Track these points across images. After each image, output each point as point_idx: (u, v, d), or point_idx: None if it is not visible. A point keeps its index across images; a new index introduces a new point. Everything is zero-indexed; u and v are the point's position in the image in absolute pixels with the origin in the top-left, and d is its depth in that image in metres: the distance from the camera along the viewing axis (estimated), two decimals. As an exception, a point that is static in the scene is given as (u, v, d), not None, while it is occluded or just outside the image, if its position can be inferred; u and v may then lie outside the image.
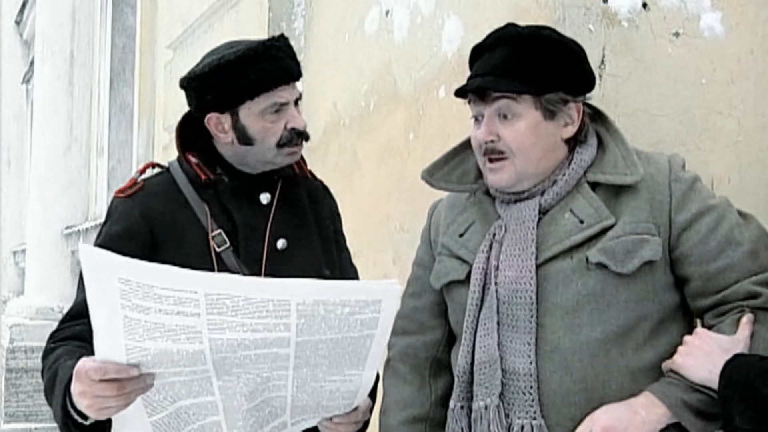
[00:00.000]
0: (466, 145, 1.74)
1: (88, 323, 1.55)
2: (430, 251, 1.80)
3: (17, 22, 11.29)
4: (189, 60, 4.77)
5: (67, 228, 7.70)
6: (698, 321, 1.63)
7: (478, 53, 1.65)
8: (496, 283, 1.61)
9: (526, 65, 1.58)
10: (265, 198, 1.77)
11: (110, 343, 1.31)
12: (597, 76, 2.05)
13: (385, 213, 2.96)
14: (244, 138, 1.71)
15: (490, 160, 1.62)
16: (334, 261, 1.85)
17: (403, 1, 2.86)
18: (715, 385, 1.42)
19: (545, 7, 2.15)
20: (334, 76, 3.42)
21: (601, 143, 1.66)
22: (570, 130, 1.63)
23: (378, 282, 1.38)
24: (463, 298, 1.66)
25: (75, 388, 1.36)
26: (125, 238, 1.67)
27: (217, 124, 1.71)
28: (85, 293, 1.63)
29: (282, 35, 1.76)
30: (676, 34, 2.09)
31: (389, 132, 2.95)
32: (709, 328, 1.54)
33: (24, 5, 10.59)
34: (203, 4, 4.87)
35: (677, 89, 2.08)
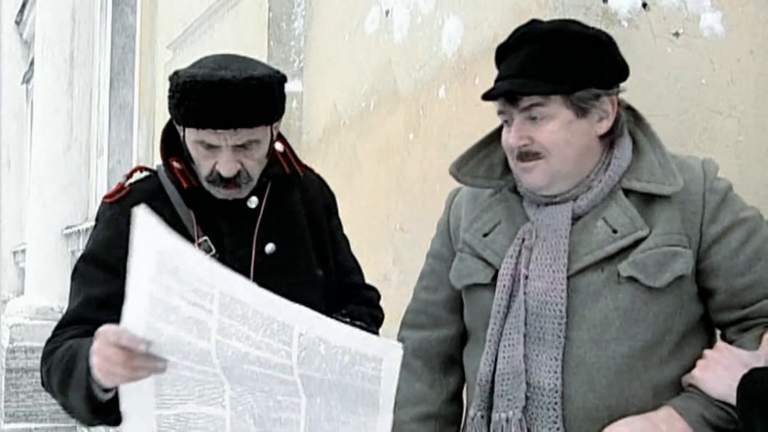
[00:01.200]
0: (493, 137, 1.66)
1: (86, 328, 1.57)
2: (449, 244, 1.73)
3: (17, 22, 11.29)
4: (189, 60, 4.76)
5: (67, 228, 7.70)
6: (718, 334, 1.60)
7: (503, 53, 1.58)
8: (525, 293, 1.54)
9: (552, 64, 1.50)
10: (252, 202, 1.73)
11: (134, 314, 1.36)
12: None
13: (385, 213, 2.96)
14: (186, 153, 1.68)
15: (522, 160, 1.55)
16: (328, 260, 1.83)
17: (403, 1, 2.86)
18: (733, 400, 1.39)
19: (545, 7, 2.14)
20: (334, 76, 3.42)
21: (635, 146, 1.59)
22: (606, 125, 1.55)
23: (381, 340, 1.36)
24: (486, 303, 1.60)
25: (92, 346, 1.42)
26: (113, 244, 1.66)
27: (178, 128, 1.69)
28: (80, 299, 1.67)
29: (252, 76, 1.60)
30: (676, 34, 2.09)
31: (389, 132, 2.95)
32: (731, 342, 1.51)
33: (24, 5, 10.59)
34: (203, 4, 4.87)
35: (677, 89, 2.08)
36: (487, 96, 1.55)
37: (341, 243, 1.93)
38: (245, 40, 4.04)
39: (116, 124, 8.02)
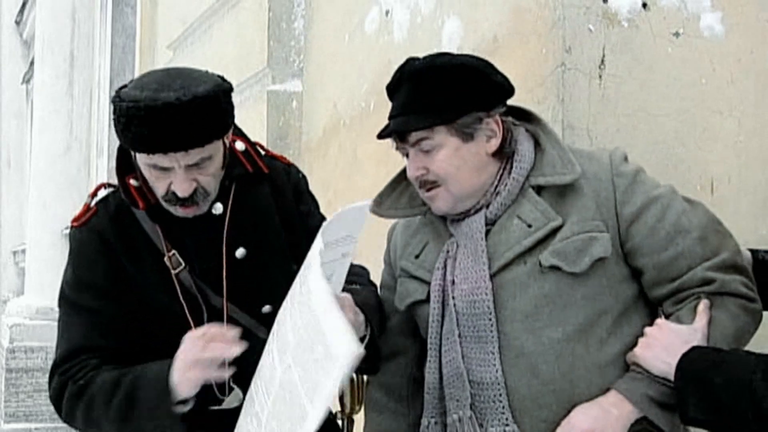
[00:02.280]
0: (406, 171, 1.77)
1: (95, 355, 1.63)
2: (393, 273, 1.83)
3: (17, 22, 11.29)
4: (189, 60, 4.77)
5: (66, 228, 7.69)
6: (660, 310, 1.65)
7: (390, 92, 1.71)
8: (453, 297, 1.63)
9: (428, 98, 1.62)
10: (217, 209, 1.70)
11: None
12: (597, 76, 2.05)
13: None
14: (139, 172, 1.65)
15: (427, 190, 1.66)
16: (302, 251, 1.78)
17: (403, 1, 2.86)
18: (673, 377, 1.44)
19: (545, 7, 2.14)
20: (334, 76, 3.42)
21: (538, 145, 1.68)
22: (495, 143, 1.65)
23: (350, 338, 1.32)
24: (427, 317, 1.69)
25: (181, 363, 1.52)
26: (91, 265, 1.67)
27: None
28: (80, 326, 1.67)
29: (195, 97, 1.54)
30: (676, 34, 2.09)
31: (389, 132, 2.95)
32: (669, 315, 1.57)
33: (24, 5, 10.59)
34: (203, 4, 4.87)
35: (677, 89, 2.08)
36: (381, 135, 1.68)
37: (318, 225, 1.89)
38: (245, 40, 4.04)
39: (116, 124, 8.02)
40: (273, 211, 1.79)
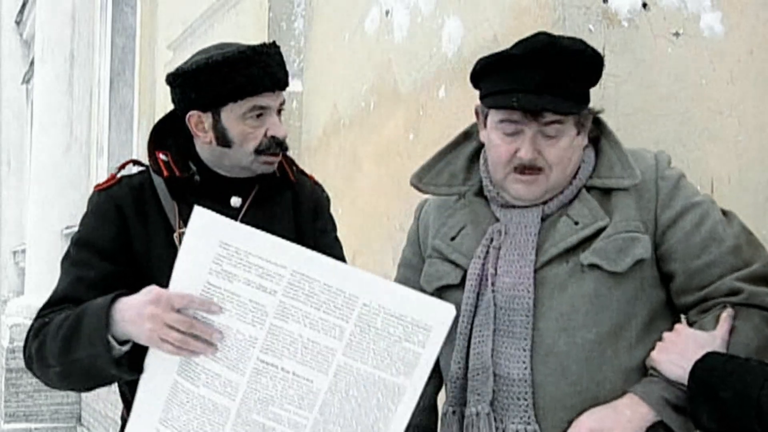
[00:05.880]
0: (452, 146, 1.74)
1: (75, 307, 1.59)
2: (419, 252, 1.80)
3: (17, 22, 11.30)
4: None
5: (66, 228, 7.70)
6: (684, 318, 1.64)
7: (509, 63, 1.58)
8: (493, 290, 1.60)
9: (573, 82, 1.56)
10: (235, 201, 1.75)
11: (186, 285, 1.38)
12: (597, 76, 2.06)
13: (385, 213, 2.96)
14: (223, 139, 1.70)
15: (524, 173, 1.58)
16: None
17: (403, 1, 2.86)
18: (687, 382, 1.43)
19: (545, 7, 2.14)
20: (334, 76, 3.42)
21: (596, 147, 1.66)
22: (586, 137, 1.63)
23: (435, 303, 1.40)
24: (457, 303, 1.63)
25: (145, 310, 1.43)
26: (102, 228, 1.71)
27: (198, 122, 1.71)
28: (70, 279, 1.68)
29: (274, 43, 1.74)
30: (676, 34, 2.09)
31: (389, 132, 2.95)
32: (692, 324, 1.55)
33: (24, 5, 10.60)
34: (203, 4, 4.87)
35: (677, 89, 2.08)
36: (507, 105, 1.56)
37: (330, 245, 1.89)
38: (245, 40, 4.02)
39: (116, 124, 8.03)
40: (289, 220, 1.82)
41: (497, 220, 1.66)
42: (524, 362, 1.55)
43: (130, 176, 1.78)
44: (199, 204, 1.69)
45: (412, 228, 1.85)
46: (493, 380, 1.57)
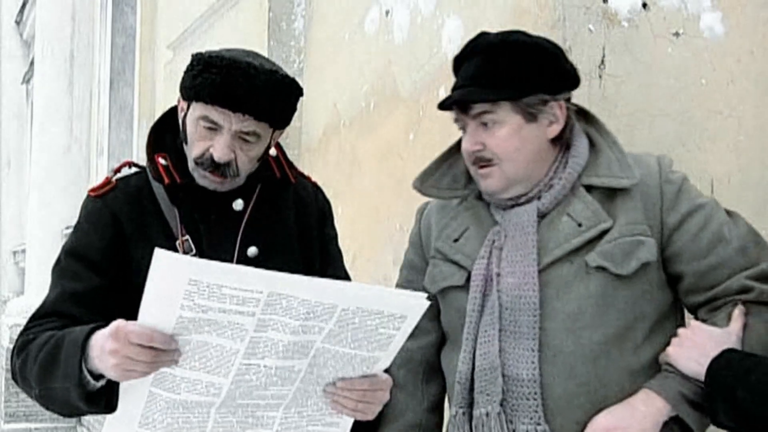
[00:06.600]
0: (455, 150, 1.75)
1: (62, 323, 1.55)
2: (422, 254, 1.81)
3: (17, 22, 11.30)
4: (189, 60, 4.76)
5: (67, 228, 7.69)
6: (691, 318, 1.64)
7: (457, 64, 1.68)
8: (498, 290, 1.61)
9: (498, 72, 1.59)
10: (238, 204, 1.71)
11: (157, 320, 1.32)
12: (597, 76, 2.05)
13: (385, 213, 2.96)
14: (183, 132, 1.67)
15: (480, 167, 1.64)
16: (314, 267, 1.80)
17: (403, 1, 2.86)
18: (703, 378, 1.44)
19: (545, 7, 2.15)
20: (334, 76, 3.42)
21: (592, 145, 1.67)
22: (555, 129, 1.63)
23: (410, 296, 1.40)
24: (461, 304, 1.66)
25: (106, 345, 1.35)
26: (95, 239, 1.65)
27: (180, 109, 1.69)
28: (57, 292, 1.63)
29: (286, 75, 1.63)
30: (676, 34, 2.09)
31: (389, 132, 2.95)
32: (704, 322, 1.56)
33: (24, 5, 10.59)
34: (203, 4, 4.87)
35: (677, 89, 2.08)
36: (442, 105, 1.64)
37: (334, 254, 1.89)
38: (245, 40, 4.03)
39: (116, 124, 8.02)
40: (292, 220, 1.80)
41: (497, 222, 1.67)
42: (533, 362, 1.56)
43: (126, 179, 1.73)
44: (202, 209, 1.68)
45: (414, 230, 1.85)
46: (502, 380, 1.58)
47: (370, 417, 1.51)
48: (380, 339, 1.40)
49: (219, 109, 1.58)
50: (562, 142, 1.65)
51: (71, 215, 7.81)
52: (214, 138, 1.60)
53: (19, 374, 1.59)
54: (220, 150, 1.60)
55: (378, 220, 2.99)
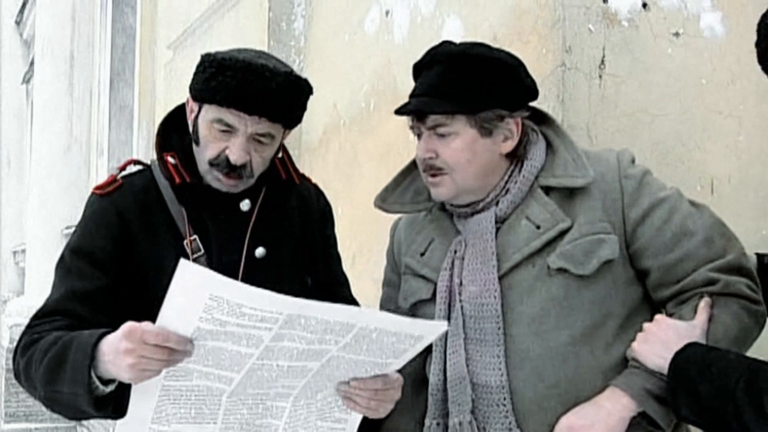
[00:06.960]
0: (413, 165, 1.76)
1: (67, 321, 1.55)
2: (397, 270, 1.82)
3: (17, 22, 11.29)
4: (189, 60, 4.77)
5: (67, 228, 7.70)
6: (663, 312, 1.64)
7: (417, 71, 1.68)
8: (461, 300, 1.62)
9: (458, 85, 1.60)
10: (245, 205, 1.71)
11: (175, 328, 1.32)
12: (597, 76, 2.05)
13: (384, 213, 2.95)
14: (195, 133, 1.66)
15: (431, 175, 1.65)
16: (317, 268, 1.82)
17: (403, 1, 2.86)
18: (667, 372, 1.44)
19: (545, 7, 2.14)
20: (334, 76, 3.42)
21: (549, 146, 1.67)
22: (509, 144, 1.64)
23: (428, 323, 1.43)
24: (431, 317, 1.67)
25: (120, 345, 1.34)
26: (100, 238, 1.64)
27: (190, 109, 1.68)
28: (62, 291, 1.62)
29: (298, 77, 1.64)
30: (676, 34, 2.09)
31: (389, 132, 2.95)
32: (671, 316, 1.56)
33: (24, 5, 10.59)
34: (203, 4, 4.87)
35: (677, 89, 2.08)
36: (399, 111, 1.66)
37: (334, 256, 1.91)
38: (245, 40, 4.03)
39: (116, 124, 8.02)
40: (296, 221, 1.81)
41: (459, 232, 1.69)
42: (500, 369, 1.57)
43: (131, 177, 1.72)
44: (210, 209, 1.68)
45: (388, 248, 1.88)
46: (471, 389, 1.59)
47: (382, 414, 1.52)
48: (395, 350, 1.41)
49: (234, 112, 1.58)
50: (516, 157, 1.66)
51: (71, 215, 7.82)
52: (229, 140, 1.61)
53: (23, 374, 1.58)
54: (236, 153, 1.60)
55: (378, 220, 2.99)
